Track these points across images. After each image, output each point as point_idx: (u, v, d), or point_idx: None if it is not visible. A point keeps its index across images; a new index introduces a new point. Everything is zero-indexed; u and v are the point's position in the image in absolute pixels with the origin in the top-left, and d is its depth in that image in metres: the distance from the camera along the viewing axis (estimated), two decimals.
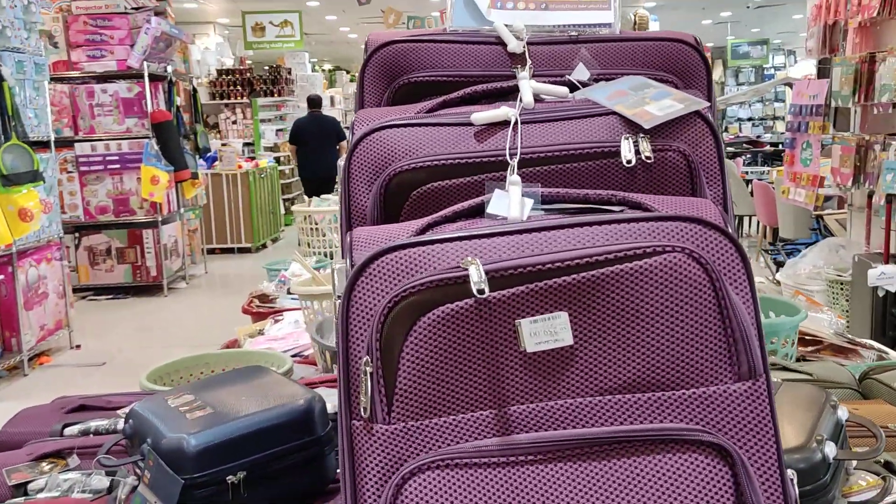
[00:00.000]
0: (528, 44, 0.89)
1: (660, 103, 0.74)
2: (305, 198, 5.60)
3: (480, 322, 0.57)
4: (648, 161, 0.71)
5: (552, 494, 0.56)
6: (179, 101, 6.75)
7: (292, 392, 1.25)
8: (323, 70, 15.75)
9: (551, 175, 0.72)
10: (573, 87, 0.82)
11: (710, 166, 0.73)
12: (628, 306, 0.56)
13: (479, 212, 0.67)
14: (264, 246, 8.59)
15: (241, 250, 8.26)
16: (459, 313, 0.57)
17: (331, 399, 1.49)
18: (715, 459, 0.55)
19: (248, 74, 10.74)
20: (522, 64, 0.89)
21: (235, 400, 1.15)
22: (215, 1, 10.79)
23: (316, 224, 4.00)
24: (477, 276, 0.56)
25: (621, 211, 0.64)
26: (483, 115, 0.74)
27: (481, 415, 0.58)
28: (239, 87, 10.64)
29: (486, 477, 0.56)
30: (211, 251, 7.95)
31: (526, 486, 0.56)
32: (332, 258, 3.64)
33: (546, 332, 0.57)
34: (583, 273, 0.57)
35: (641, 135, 0.72)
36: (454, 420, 0.57)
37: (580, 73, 0.88)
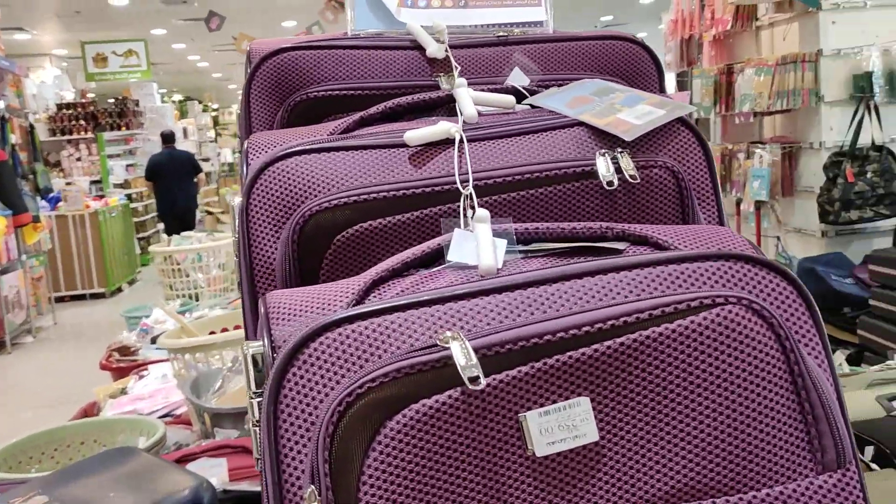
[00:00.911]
0: (450, 47, 0.73)
1: (634, 110, 0.60)
2: (164, 236, 5.24)
3: (471, 420, 0.40)
4: (633, 181, 0.56)
5: None
6: (14, 139, 6.19)
7: (173, 482, 1.03)
8: (173, 101, 15.08)
9: (513, 205, 0.56)
10: (518, 96, 0.66)
11: (700, 184, 0.60)
12: (671, 383, 0.41)
13: (433, 260, 0.50)
14: (120, 290, 8.00)
15: (95, 296, 7.64)
16: (442, 411, 0.40)
17: (215, 472, 1.26)
18: None
19: (92, 108, 10.06)
20: (446, 71, 0.73)
21: (101, 498, 0.94)
22: (50, 31, 10.07)
23: (178, 264, 3.69)
24: (463, 356, 0.39)
25: (626, 250, 0.49)
26: (419, 133, 0.58)
27: None
28: (82, 122, 9.94)
29: None
30: (60, 299, 7.30)
31: None
32: (197, 299, 3.34)
33: (561, 426, 0.41)
34: (607, 342, 0.41)
35: (619, 149, 0.58)
36: None
37: (517, 78, 0.73)
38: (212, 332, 2.06)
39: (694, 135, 0.60)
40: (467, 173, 0.56)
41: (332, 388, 0.40)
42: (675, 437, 0.41)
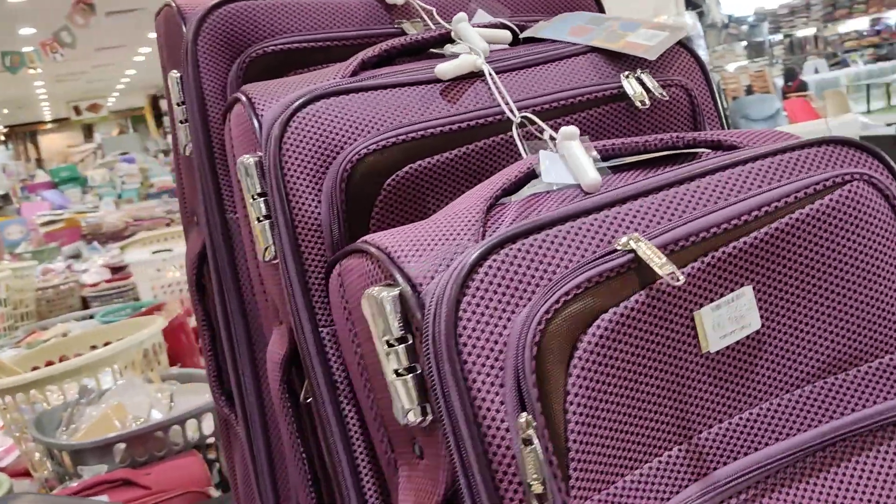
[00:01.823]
0: None
1: (638, 34, 0.61)
2: None
3: (654, 323, 0.39)
4: (663, 99, 0.58)
5: None
6: None
7: None
8: None
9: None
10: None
11: (706, 103, 0.62)
12: (817, 262, 0.43)
13: (517, 187, 0.48)
14: None
15: None
16: (630, 317, 0.38)
17: None
18: None
19: None
20: (407, 16, 0.71)
21: None
22: None
23: None
24: (653, 256, 0.38)
25: (704, 154, 0.50)
26: (449, 66, 0.55)
27: (671, 455, 0.40)
28: None
29: None
30: None
31: None
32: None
33: (731, 319, 0.41)
34: (763, 229, 0.41)
35: (640, 70, 0.59)
36: (644, 473, 0.39)
37: (482, 19, 0.71)
38: (34, 368, 1.85)
39: (693, 56, 0.62)
40: (510, 103, 0.54)
41: (514, 311, 0.37)
42: (822, 313, 0.43)
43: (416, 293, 0.40)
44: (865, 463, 0.42)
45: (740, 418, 0.41)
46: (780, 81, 8.08)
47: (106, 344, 1.93)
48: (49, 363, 1.91)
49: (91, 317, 2.45)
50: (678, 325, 0.40)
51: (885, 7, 9.80)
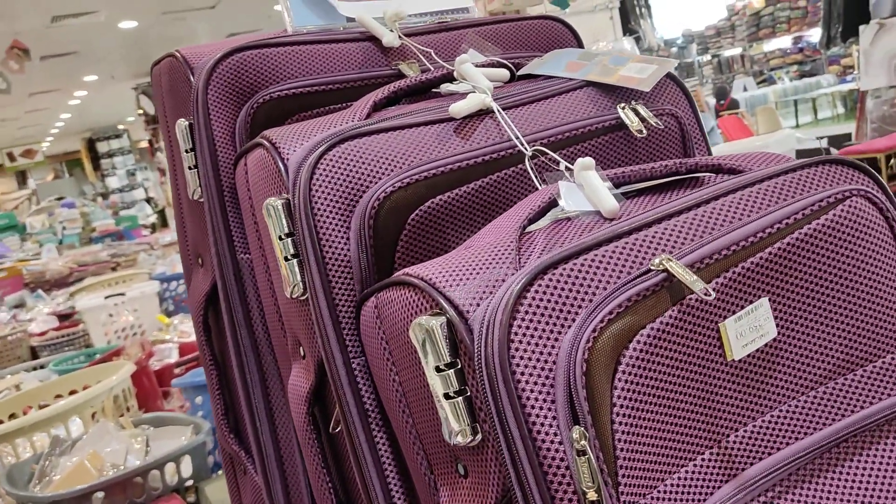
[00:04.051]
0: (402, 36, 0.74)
1: (629, 67, 0.65)
2: None
3: (685, 336, 0.42)
4: (657, 128, 0.62)
5: None
6: None
7: None
8: None
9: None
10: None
11: (693, 130, 0.67)
12: (825, 272, 0.47)
13: (538, 217, 0.51)
14: None
15: None
16: (665, 331, 0.42)
17: None
18: None
19: None
20: (404, 58, 0.74)
21: None
22: None
23: None
24: (684, 274, 0.41)
25: (708, 178, 0.54)
26: (462, 105, 0.58)
27: (704, 458, 0.43)
28: None
29: None
30: None
31: None
32: None
33: (751, 328, 0.44)
34: (776, 244, 0.45)
35: (634, 101, 0.63)
36: (682, 477, 0.42)
37: (475, 58, 0.75)
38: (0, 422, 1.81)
39: (679, 86, 0.67)
40: (520, 137, 0.58)
41: (561, 331, 0.40)
42: (830, 319, 0.47)
43: (464, 319, 0.42)
44: (875, 455, 0.46)
45: (763, 420, 0.45)
46: (711, 100, 8.35)
47: (72, 392, 1.90)
48: (12, 416, 1.87)
49: (42, 366, 2.40)
50: (706, 337, 0.43)
51: (806, 26, 10.24)
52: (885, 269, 0.48)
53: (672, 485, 0.41)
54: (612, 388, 0.40)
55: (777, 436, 0.45)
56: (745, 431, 0.44)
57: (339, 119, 0.60)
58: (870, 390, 0.47)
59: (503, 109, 0.60)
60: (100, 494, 1.36)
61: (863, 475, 0.45)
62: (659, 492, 0.41)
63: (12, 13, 5.86)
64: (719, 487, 0.43)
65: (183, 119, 0.71)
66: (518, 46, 0.79)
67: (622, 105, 0.62)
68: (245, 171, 0.62)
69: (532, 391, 0.39)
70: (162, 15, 6.76)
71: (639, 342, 0.41)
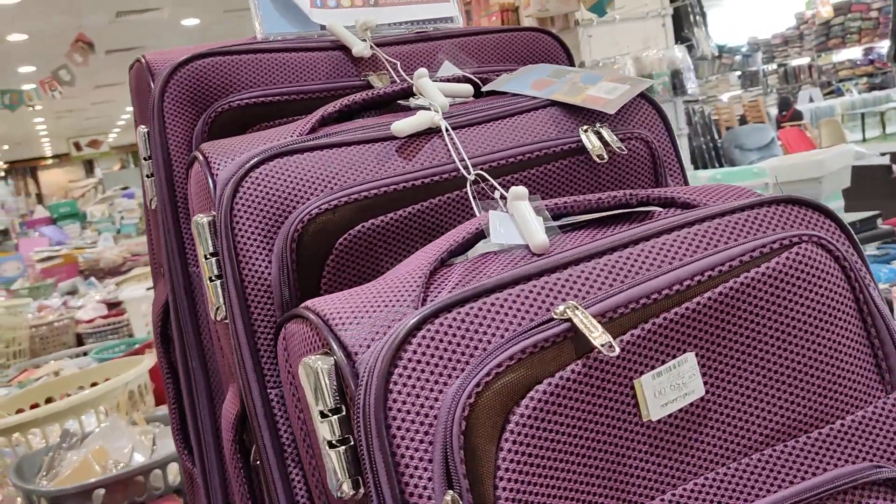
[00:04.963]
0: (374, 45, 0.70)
1: (599, 87, 0.61)
2: None
3: (592, 393, 0.38)
4: (620, 152, 0.57)
5: None
6: None
7: None
8: None
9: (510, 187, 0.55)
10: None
11: (667, 155, 0.62)
12: (764, 326, 0.42)
13: (465, 247, 0.48)
14: None
15: None
16: (566, 387, 0.38)
17: None
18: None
19: None
20: (374, 69, 0.71)
21: None
22: None
23: None
24: (589, 325, 0.37)
25: (657, 213, 0.49)
26: (405, 123, 0.55)
27: None
28: None
29: None
30: None
31: None
32: None
33: (672, 386, 0.40)
34: (706, 293, 0.41)
35: (599, 124, 0.58)
36: None
37: (448, 71, 0.72)
38: (20, 410, 1.84)
39: (654, 108, 0.62)
40: (465, 159, 0.54)
41: (447, 383, 0.37)
42: (770, 379, 0.42)
43: (352, 363, 0.39)
44: None
45: (684, 489, 0.40)
46: (774, 111, 8.12)
47: (93, 385, 1.92)
48: (35, 405, 1.90)
49: (85, 354, 2.44)
50: (618, 395, 0.39)
51: (877, 37, 9.89)
52: (836, 326, 0.43)
53: None
54: (498, 450, 0.36)
55: None
56: (661, 501, 0.40)
57: (280, 133, 0.58)
58: (814, 459, 0.42)
59: (454, 128, 0.57)
60: (100, 491, 1.37)
61: None
62: None
63: (77, 8, 6.02)
64: None
65: (143, 126, 0.69)
66: (500, 60, 0.75)
67: (585, 128, 0.58)
68: (189, 184, 0.60)
69: (408, 448, 0.36)
70: (224, 13, 6.86)
71: (532, 399, 0.37)
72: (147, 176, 0.69)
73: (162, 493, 1.38)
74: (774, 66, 11.01)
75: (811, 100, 9.41)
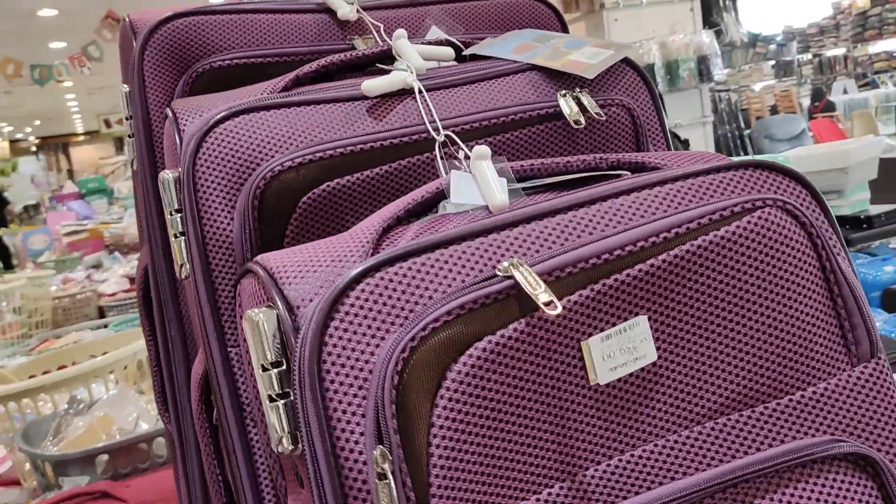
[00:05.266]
0: (361, 9, 0.69)
1: (582, 52, 0.59)
2: None
3: (536, 353, 0.37)
4: (599, 118, 0.56)
5: None
6: None
7: None
8: None
9: None
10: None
11: (650, 122, 0.60)
12: (722, 291, 0.40)
13: (428, 207, 0.47)
14: None
15: None
16: (508, 346, 0.37)
17: None
18: (857, 473, 0.41)
19: None
20: (359, 33, 0.70)
21: None
22: None
23: None
24: (531, 283, 0.36)
25: (626, 177, 0.48)
26: (377, 83, 0.54)
27: (551, 493, 0.38)
28: None
29: None
30: None
31: None
32: None
33: (623, 349, 0.39)
34: (661, 255, 0.39)
35: (579, 89, 0.57)
36: None
37: (434, 35, 0.70)
38: (32, 377, 1.86)
39: (639, 74, 0.60)
40: (435, 121, 0.53)
41: (384, 337, 0.36)
42: (726, 346, 0.41)
43: (293, 316, 0.38)
44: None
45: (632, 455, 0.39)
46: (806, 101, 7.98)
47: (105, 354, 1.94)
48: (46, 373, 1.92)
49: (105, 326, 2.47)
50: (564, 356, 0.38)
51: None
52: (799, 294, 0.41)
53: None
54: (433, 406, 0.35)
55: (648, 473, 0.39)
56: (609, 465, 0.39)
57: (253, 91, 0.57)
58: (771, 430, 0.41)
59: (429, 90, 0.55)
60: (104, 457, 1.38)
61: None
62: None
63: None
64: None
65: (125, 85, 0.68)
66: (491, 27, 0.73)
67: (563, 92, 0.57)
68: (164, 143, 0.60)
69: (342, 402, 0.35)
70: None
71: (471, 356, 0.36)
72: (129, 136, 0.68)
73: (165, 460, 1.39)
74: (809, 55, 10.81)
75: (845, 91, 9.22)
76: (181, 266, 0.53)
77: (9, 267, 5.65)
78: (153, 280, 0.67)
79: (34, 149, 15.56)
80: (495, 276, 0.37)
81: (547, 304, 0.35)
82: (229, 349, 0.50)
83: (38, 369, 1.92)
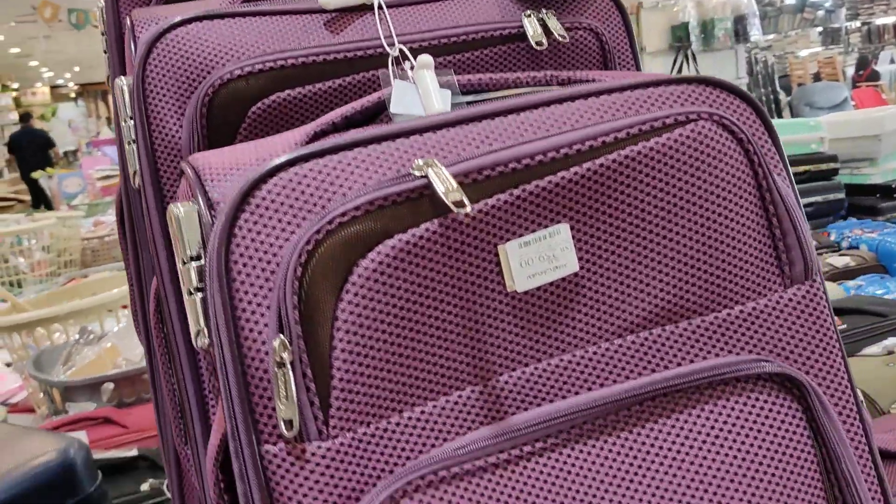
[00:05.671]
0: None
1: None
2: None
3: (448, 255, 0.37)
4: (562, 41, 0.55)
5: (577, 491, 0.38)
6: None
7: (38, 444, 0.94)
8: None
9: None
10: None
11: (620, 47, 0.59)
12: (650, 204, 0.40)
13: (372, 117, 0.46)
14: None
15: None
16: (419, 245, 0.36)
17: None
18: (782, 394, 0.40)
19: None
20: None
21: None
22: None
23: None
24: (443, 182, 0.36)
25: None
26: None
27: (462, 395, 0.38)
28: None
29: (481, 487, 0.36)
30: None
31: (538, 488, 0.37)
32: (20, 286, 3.04)
33: (542, 257, 0.38)
34: (586, 164, 0.39)
35: (545, 10, 0.56)
36: (427, 411, 0.37)
37: None
38: None
39: (613, 1, 0.59)
40: (392, 36, 0.52)
41: (294, 231, 0.36)
42: (652, 260, 0.40)
43: (212, 212, 0.38)
44: (685, 421, 0.39)
45: (549, 364, 0.39)
46: (851, 71, 7.75)
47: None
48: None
49: None
50: (479, 260, 0.37)
51: None
52: (731, 210, 0.40)
53: (410, 417, 0.36)
54: (339, 301, 0.35)
55: (565, 382, 0.39)
56: (524, 373, 0.38)
57: (212, 4, 0.56)
58: (694, 346, 0.40)
59: (390, 6, 0.55)
60: (109, 386, 1.41)
61: (662, 442, 0.39)
62: (389, 423, 0.36)
63: None
64: (475, 429, 0.37)
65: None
66: None
67: (529, 13, 0.55)
68: None
69: (247, 293, 0.35)
70: None
71: (380, 252, 0.36)
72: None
73: None
74: (858, 23, 10.49)
75: (892, 61, 8.94)
76: (134, 174, 0.53)
77: (51, 209, 5.76)
78: (125, 202, 0.68)
79: (73, 95, 15.75)
80: (409, 174, 0.36)
81: (457, 203, 0.35)
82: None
83: (51, 302, 1.96)
